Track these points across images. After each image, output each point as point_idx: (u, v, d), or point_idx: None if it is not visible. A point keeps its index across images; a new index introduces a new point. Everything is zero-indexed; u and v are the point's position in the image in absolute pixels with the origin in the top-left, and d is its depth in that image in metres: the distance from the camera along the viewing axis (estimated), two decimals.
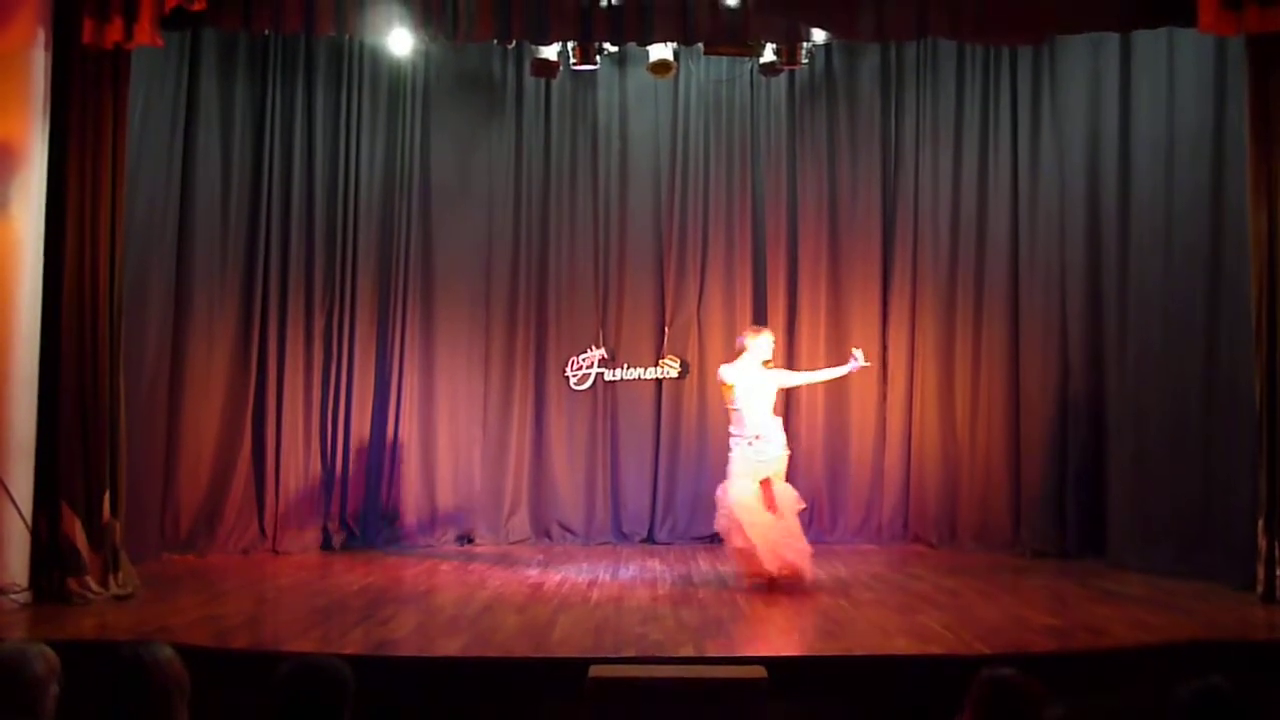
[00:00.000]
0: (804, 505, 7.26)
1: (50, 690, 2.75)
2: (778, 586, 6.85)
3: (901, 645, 5.38)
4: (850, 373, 7.60)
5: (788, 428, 9.20)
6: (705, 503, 9.16)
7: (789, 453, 7.25)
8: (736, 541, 6.91)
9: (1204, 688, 2.88)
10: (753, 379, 7.12)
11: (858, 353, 7.50)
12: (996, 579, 7.43)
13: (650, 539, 9.13)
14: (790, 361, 9.32)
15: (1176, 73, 7.59)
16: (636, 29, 6.90)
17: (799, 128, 9.46)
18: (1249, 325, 6.58)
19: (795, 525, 7.06)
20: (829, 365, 9.24)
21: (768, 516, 6.92)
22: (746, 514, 6.86)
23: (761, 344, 7.17)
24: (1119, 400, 8.07)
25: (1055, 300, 8.73)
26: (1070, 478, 8.56)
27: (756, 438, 7.01)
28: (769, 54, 8.57)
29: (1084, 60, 8.50)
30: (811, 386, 9.22)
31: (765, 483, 7.03)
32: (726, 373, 7.17)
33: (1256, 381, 6.49)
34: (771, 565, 6.81)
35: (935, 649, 5.25)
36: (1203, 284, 7.32)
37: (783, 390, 7.56)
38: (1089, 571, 7.69)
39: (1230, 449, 7.03)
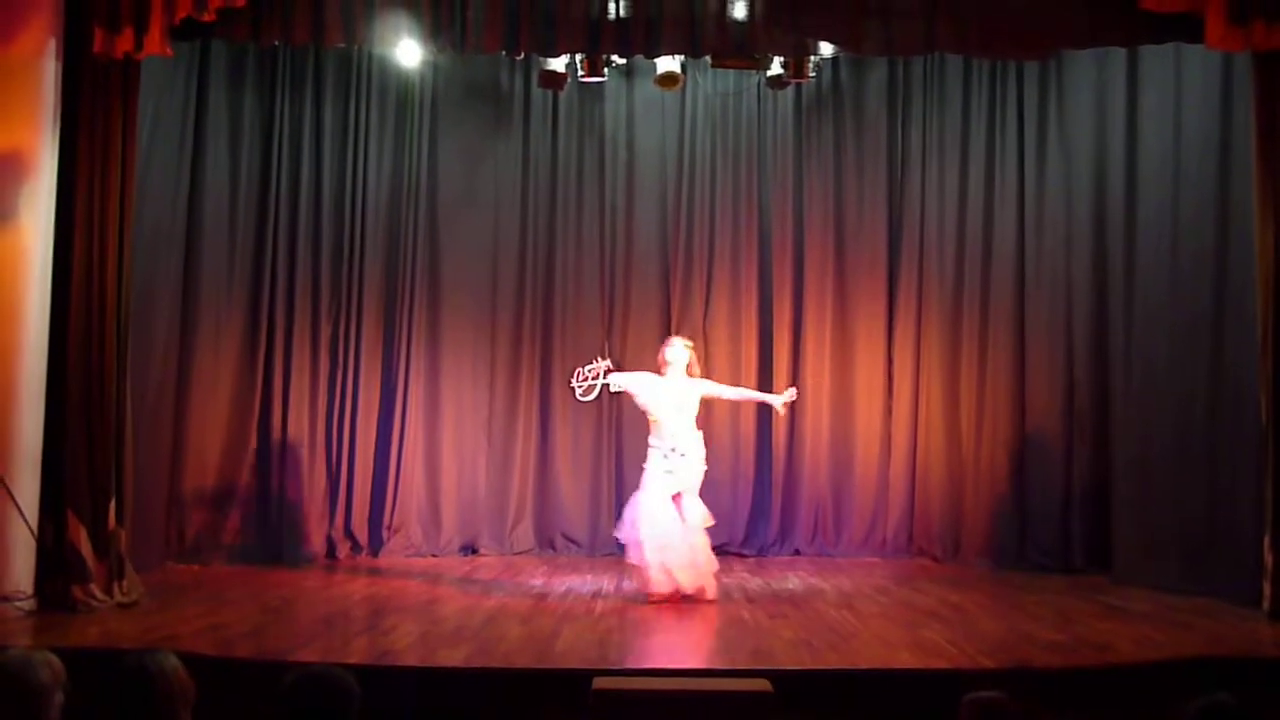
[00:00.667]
0: (713, 523, 7.19)
1: (55, 698, 2.75)
2: (689, 600, 6.82)
3: (906, 659, 5.38)
4: (775, 405, 7.62)
5: (791, 437, 9.32)
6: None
7: (705, 468, 7.18)
8: (632, 557, 6.90)
9: (1210, 704, 2.86)
10: (673, 390, 7.10)
11: (791, 391, 7.65)
12: (1001, 594, 7.42)
13: None
14: (796, 374, 9.34)
15: (1183, 88, 7.59)
16: (644, 41, 6.90)
17: (806, 141, 9.47)
18: (1255, 340, 6.58)
19: (700, 540, 7.00)
20: (833, 379, 9.32)
21: (674, 535, 6.85)
22: (649, 528, 6.82)
23: (677, 355, 7.15)
24: (1124, 415, 8.05)
25: (1061, 315, 8.73)
26: (1075, 493, 8.55)
27: (673, 450, 6.99)
28: (776, 67, 8.59)
29: (1090, 75, 8.52)
30: (817, 397, 9.25)
31: (676, 497, 7.00)
32: (623, 380, 7.23)
33: (1263, 396, 6.48)
34: (663, 587, 6.78)
35: (940, 663, 5.24)
36: (1208, 299, 7.31)
37: (705, 401, 7.46)
38: (1094, 587, 7.68)
39: (1236, 464, 7.01)
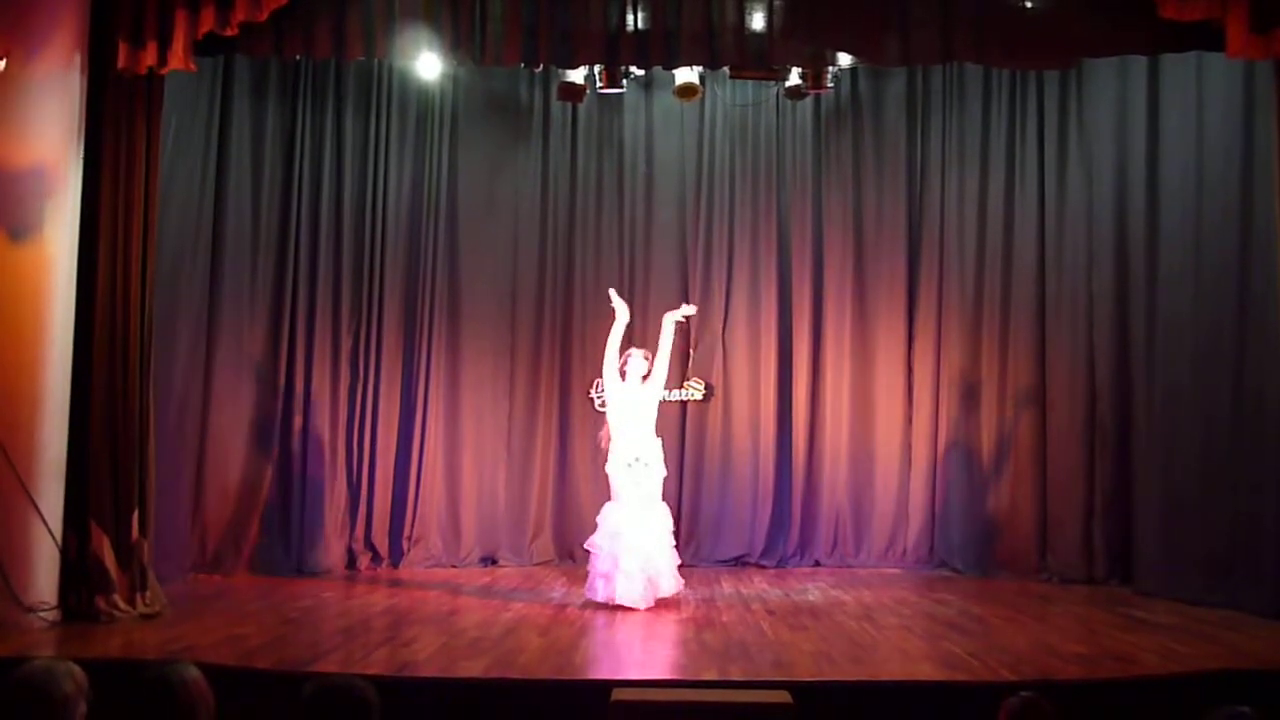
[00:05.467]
0: (672, 525, 7.34)
1: (79, 709, 2.77)
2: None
3: (927, 671, 5.35)
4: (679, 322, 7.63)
5: (811, 448, 9.30)
6: (729, 526, 9.20)
7: (665, 472, 7.34)
8: (606, 565, 6.98)
9: (1229, 716, 2.84)
10: (631, 397, 7.23)
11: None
12: (1023, 606, 7.37)
13: None
14: (815, 384, 9.33)
15: (1204, 97, 7.55)
16: (662, 53, 6.92)
17: (824, 152, 9.48)
18: (1278, 351, 6.53)
19: (664, 544, 7.14)
20: (853, 389, 9.31)
21: (649, 545, 7.00)
22: (631, 540, 6.96)
23: (637, 366, 7.33)
24: (1146, 426, 8.00)
25: (1082, 325, 8.68)
26: (1097, 504, 8.50)
27: (636, 459, 7.11)
28: (794, 78, 8.60)
29: (1111, 84, 8.48)
30: (837, 408, 9.25)
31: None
32: (607, 372, 7.36)
33: None
34: (600, 595, 6.94)
35: (961, 676, 5.21)
36: (1231, 310, 7.25)
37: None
38: (1116, 599, 7.63)
39: (1260, 476, 6.95)
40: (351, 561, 8.73)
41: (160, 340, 6.96)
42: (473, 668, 5.26)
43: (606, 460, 7.26)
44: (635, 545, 6.95)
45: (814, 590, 7.94)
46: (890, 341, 9.34)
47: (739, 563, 9.12)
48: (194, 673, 2.86)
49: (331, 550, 8.65)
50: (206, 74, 7.93)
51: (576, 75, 8.57)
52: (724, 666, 5.37)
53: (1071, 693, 4.94)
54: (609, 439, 7.27)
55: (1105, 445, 8.49)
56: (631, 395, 7.27)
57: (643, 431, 7.20)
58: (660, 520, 7.19)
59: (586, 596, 7.08)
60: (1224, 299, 7.31)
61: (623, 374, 7.33)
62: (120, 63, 6.33)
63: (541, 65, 7.98)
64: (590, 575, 7.12)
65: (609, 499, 9.14)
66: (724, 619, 6.72)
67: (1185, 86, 7.70)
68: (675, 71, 8.38)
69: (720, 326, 9.39)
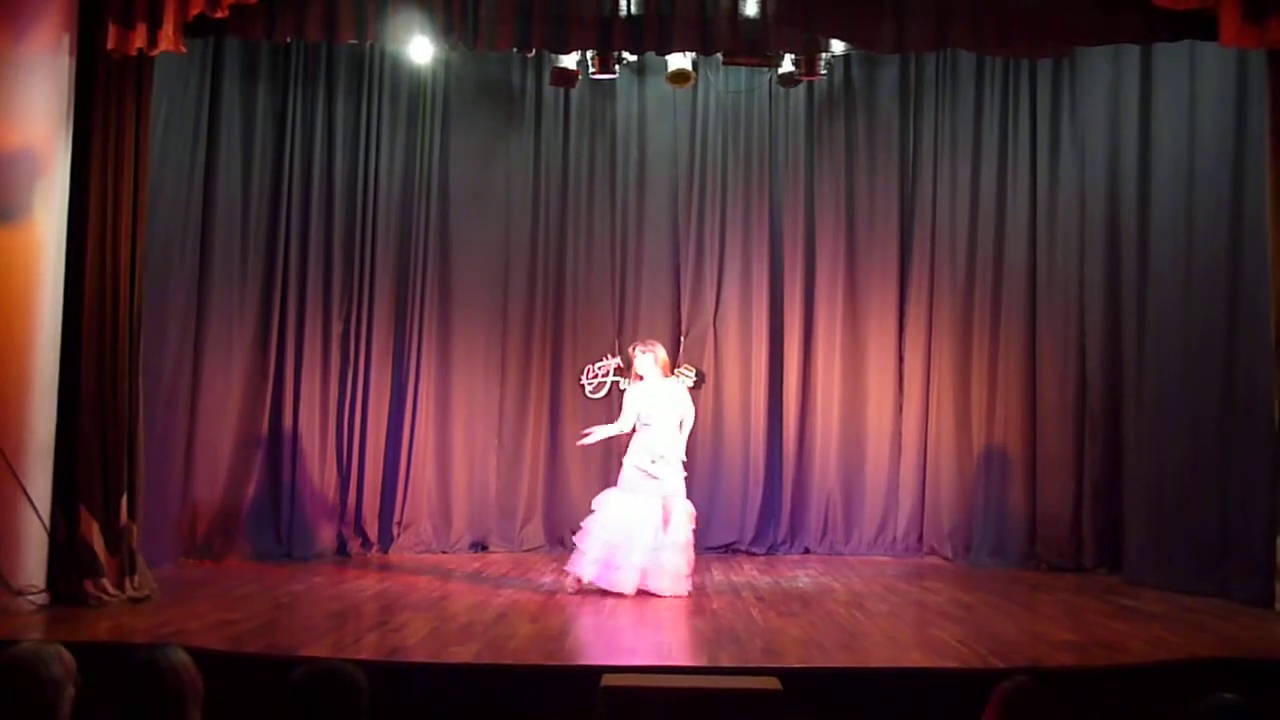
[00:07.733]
0: (693, 525, 7.20)
1: (67, 692, 2.76)
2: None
3: (916, 659, 5.36)
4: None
5: (802, 435, 9.31)
6: (719, 513, 9.20)
7: (684, 473, 7.21)
8: (601, 552, 6.92)
9: (1220, 705, 2.85)
10: (655, 396, 7.15)
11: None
12: (1012, 593, 7.39)
13: None
14: (806, 372, 9.33)
15: (1197, 87, 7.54)
16: (655, 39, 6.89)
17: (817, 139, 9.46)
18: (1268, 341, 6.54)
19: (680, 542, 7.02)
20: (844, 377, 9.29)
21: (632, 536, 6.89)
22: (638, 534, 6.88)
23: (645, 364, 7.21)
24: (1136, 415, 8.02)
25: (1074, 313, 8.70)
26: (1087, 492, 8.52)
27: (661, 456, 7.02)
28: (788, 65, 8.59)
29: (1104, 73, 8.47)
30: (828, 396, 9.25)
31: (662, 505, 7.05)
32: (626, 400, 7.29)
33: (1275, 396, 6.44)
34: (584, 578, 6.90)
35: (950, 663, 5.22)
36: (1223, 299, 7.26)
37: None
38: (1106, 587, 7.65)
39: (1249, 465, 6.96)
40: (342, 547, 8.72)
41: (150, 324, 6.93)
42: (463, 653, 5.26)
43: (626, 452, 7.18)
44: (643, 540, 6.86)
45: (804, 577, 7.95)
46: (881, 329, 9.34)
47: (729, 550, 9.13)
48: (182, 656, 2.85)
49: (322, 535, 8.65)
50: (197, 57, 7.88)
51: (569, 60, 8.54)
52: (714, 653, 5.38)
53: (1061, 680, 4.96)
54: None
55: (1095, 433, 8.52)
56: (648, 394, 7.17)
57: (664, 428, 7.09)
58: (679, 518, 7.05)
59: (568, 570, 7.02)
60: (1215, 289, 7.32)
61: (637, 376, 7.28)
62: (110, 44, 6.27)
63: (534, 50, 7.98)
64: (578, 553, 7.03)
65: (599, 485, 9.19)
66: (714, 606, 6.72)
67: (1178, 76, 7.70)
68: (668, 57, 8.34)
69: (711, 313, 9.38)
